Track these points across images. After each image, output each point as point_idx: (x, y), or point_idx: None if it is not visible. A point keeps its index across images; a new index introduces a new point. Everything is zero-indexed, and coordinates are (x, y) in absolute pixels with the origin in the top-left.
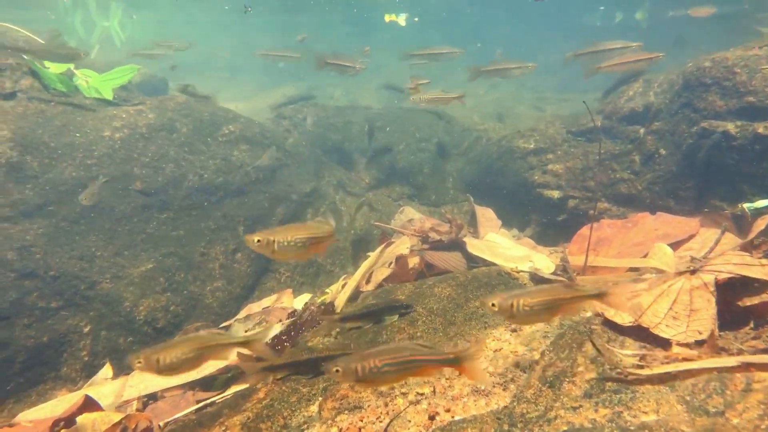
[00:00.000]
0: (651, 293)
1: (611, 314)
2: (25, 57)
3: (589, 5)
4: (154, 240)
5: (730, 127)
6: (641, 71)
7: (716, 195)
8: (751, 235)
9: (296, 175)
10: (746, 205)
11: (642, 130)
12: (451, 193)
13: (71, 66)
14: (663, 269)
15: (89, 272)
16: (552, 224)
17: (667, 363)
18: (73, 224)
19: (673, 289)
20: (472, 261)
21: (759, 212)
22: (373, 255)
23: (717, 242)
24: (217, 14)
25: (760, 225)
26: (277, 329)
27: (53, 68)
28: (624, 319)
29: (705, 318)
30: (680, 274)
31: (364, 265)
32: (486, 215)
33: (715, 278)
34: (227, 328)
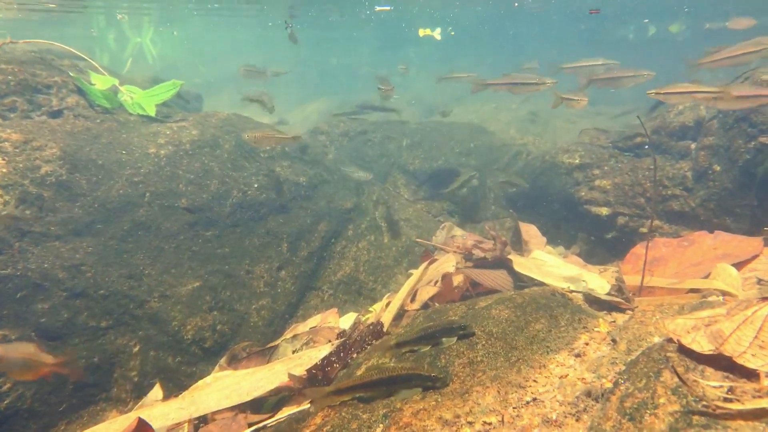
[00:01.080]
0: (732, 320)
1: (688, 341)
2: (71, 74)
3: (623, 19)
4: (199, 258)
5: None
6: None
7: None
8: None
9: (337, 191)
10: None
11: (693, 146)
12: (492, 209)
13: (116, 82)
14: (729, 291)
15: (138, 291)
16: (600, 242)
17: (761, 397)
18: (121, 242)
19: (759, 316)
20: (519, 280)
21: None
22: (416, 272)
23: None
24: (247, 30)
25: None
26: (326, 350)
27: (99, 84)
28: (703, 346)
29: None
30: (765, 299)
31: (408, 283)
32: (530, 232)
33: None
34: (274, 348)
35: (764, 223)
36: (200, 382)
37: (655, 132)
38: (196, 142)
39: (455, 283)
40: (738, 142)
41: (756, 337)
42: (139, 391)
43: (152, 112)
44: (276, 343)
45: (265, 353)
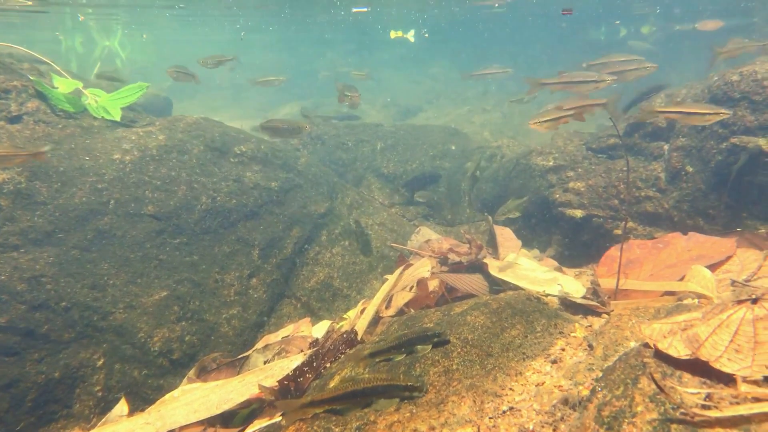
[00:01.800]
0: (708, 323)
1: (664, 346)
2: (31, 78)
3: (594, 20)
4: (167, 266)
5: (762, 142)
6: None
7: (749, 214)
8: None
9: (310, 196)
10: None
11: (666, 147)
12: (467, 213)
13: (80, 85)
14: (703, 293)
15: (102, 302)
16: (575, 244)
17: (739, 403)
18: (84, 252)
19: (734, 319)
20: (494, 283)
21: None
22: (391, 278)
23: (760, 266)
24: (223, 34)
25: None
26: (299, 360)
27: (62, 87)
28: (680, 351)
29: None
30: (740, 302)
31: (383, 289)
32: (505, 235)
33: None
34: (245, 359)
35: (737, 223)
36: (168, 396)
37: (628, 134)
38: (163, 147)
39: (431, 288)
40: (710, 143)
41: (732, 341)
42: (104, 407)
43: (117, 117)
44: (247, 353)
45: (236, 364)
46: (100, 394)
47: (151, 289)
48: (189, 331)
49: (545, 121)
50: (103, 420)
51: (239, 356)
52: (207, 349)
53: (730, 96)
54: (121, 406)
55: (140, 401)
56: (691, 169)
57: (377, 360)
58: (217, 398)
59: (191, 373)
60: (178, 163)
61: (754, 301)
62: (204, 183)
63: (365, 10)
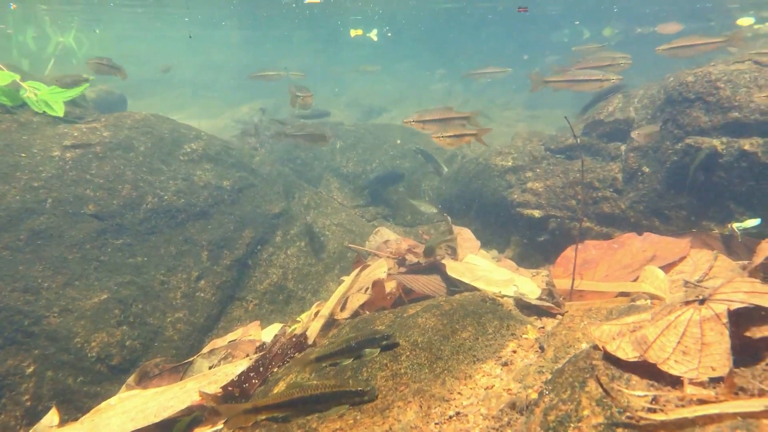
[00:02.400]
0: (656, 325)
1: (613, 348)
2: None
3: (558, 22)
4: (108, 268)
5: (716, 143)
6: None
7: (704, 214)
8: (757, 259)
9: (264, 196)
10: (735, 225)
11: (623, 147)
12: (427, 213)
13: (17, 77)
14: (656, 294)
15: (34, 306)
16: (533, 245)
17: (683, 406)
18: (17, 253)
19: (681, 321)
20: (452, 285)
21: (748, 232)
22: (347, 279)
23: (711, 266)
24: (182, 29)
25: (765, 249)
26: (244, 365)
27: None
28: (628, 353)
29: (718, 353)
30: (688, 303)
31: (338, 291)
32: (464, 235)
33: (728, 309)
34: (189, 364)
35: (693, 224)
36: (103, 404)
37: (586, 134)
38: (108, 144)
39: (387, 290)
40: (665, 144)
41: (679, 342)
42: (32, 417)
43: (60, 112)
44: (192, 358)
45: (179, 370)
46: (28, 403)
47: (90, 291)
48: (130, 336)
49: (419, 122)
50: (31, 431)
51: (183, 361)
52: (150, 354)
53: (686, 97)
54: (51, 416)
55: (74, 410)
56: (647, 170)
57: (324, 364)
58: (156, 406)
59: (131, 379)
60: (124, 161)
61: (702, 302)
62: (150, 181)
63: (317, 1)
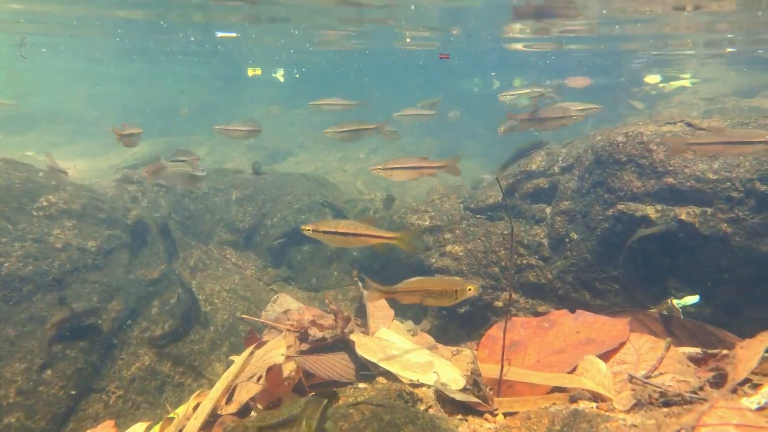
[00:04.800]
0: None
1: None
2: None
3: (467, 73)
4: None
5: (650, 211)
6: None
7: (638, 287)
8: (738, 375)
9: (140, 258)
10: (675, 302)
11: (548, 210)
12: (335, 276)
13: None
14: (600, 392)
15: None
16: (452, 316)
17: None
18: None
19: None
20: (362, 366)
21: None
22: (237, 361)
23: (660, 360)
24: (73, 62)
25: (747, 361)
26: None
27: None
28: None
29: None
30: None
31: (225, 378)
32: (377, 304)
33: None
34: None
35: (627, 298)
36: None
37: (508, 194)
38: None
39: (285, 374)
40: (596, 209)
41: None
42: None
43: None
44: None
45: None
46: None
47: None
48: None
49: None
50: None
51: None
52: None
53: (616, 158)
54: None
55: None
56: (575, 236)
57: None
58: None
59: None
60: None
61: None
62: None
63: (234, 35)
